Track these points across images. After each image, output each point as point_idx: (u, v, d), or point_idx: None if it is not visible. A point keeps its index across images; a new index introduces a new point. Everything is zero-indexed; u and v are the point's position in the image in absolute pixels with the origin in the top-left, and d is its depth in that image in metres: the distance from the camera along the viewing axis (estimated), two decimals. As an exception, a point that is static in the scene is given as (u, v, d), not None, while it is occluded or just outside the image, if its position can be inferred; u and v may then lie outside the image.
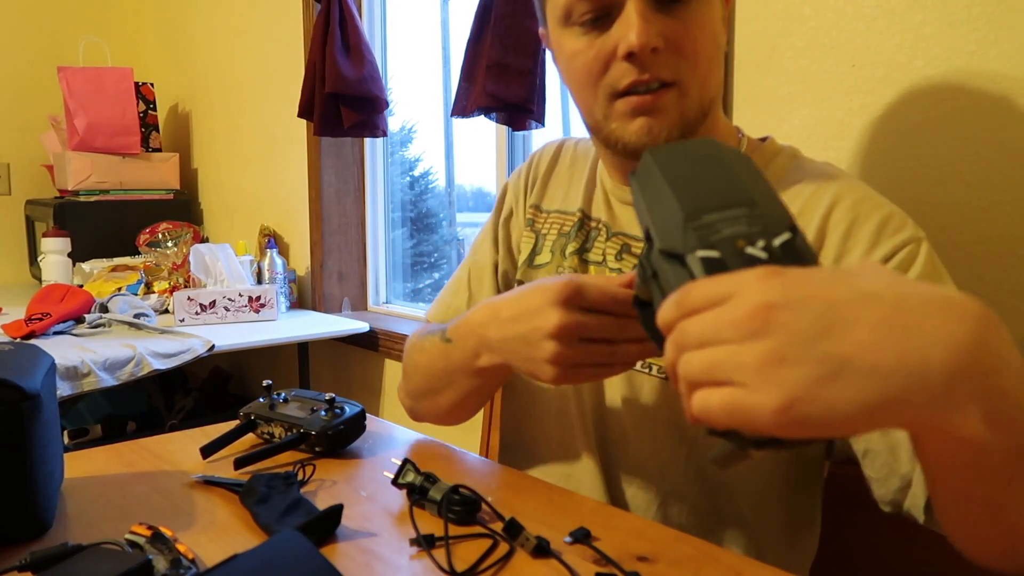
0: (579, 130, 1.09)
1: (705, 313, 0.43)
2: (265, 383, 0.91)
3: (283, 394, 0.91)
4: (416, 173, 2.41)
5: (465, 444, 0.98)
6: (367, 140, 2.30)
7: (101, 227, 2.58)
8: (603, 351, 0.68)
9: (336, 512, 0.66)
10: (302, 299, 2.39)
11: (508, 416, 0.97)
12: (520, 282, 0.94)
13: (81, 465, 0.81)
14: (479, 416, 1.14)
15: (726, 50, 0.79)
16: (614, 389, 0.84)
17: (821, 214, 0.75)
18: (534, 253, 0.93)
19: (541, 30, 0.84)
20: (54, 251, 2.40)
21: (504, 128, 1.84)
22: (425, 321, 1.01)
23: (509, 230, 0.99)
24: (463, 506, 0.67)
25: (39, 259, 2.47)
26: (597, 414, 0.85)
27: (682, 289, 0.45)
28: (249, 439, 0.89)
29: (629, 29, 0.71)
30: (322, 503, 0.71)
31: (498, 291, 0.98)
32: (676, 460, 0.81)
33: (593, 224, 0.89)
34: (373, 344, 2.10)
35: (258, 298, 2.09)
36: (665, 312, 0.46)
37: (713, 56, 0.75)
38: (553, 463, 0.89)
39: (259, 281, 2.25)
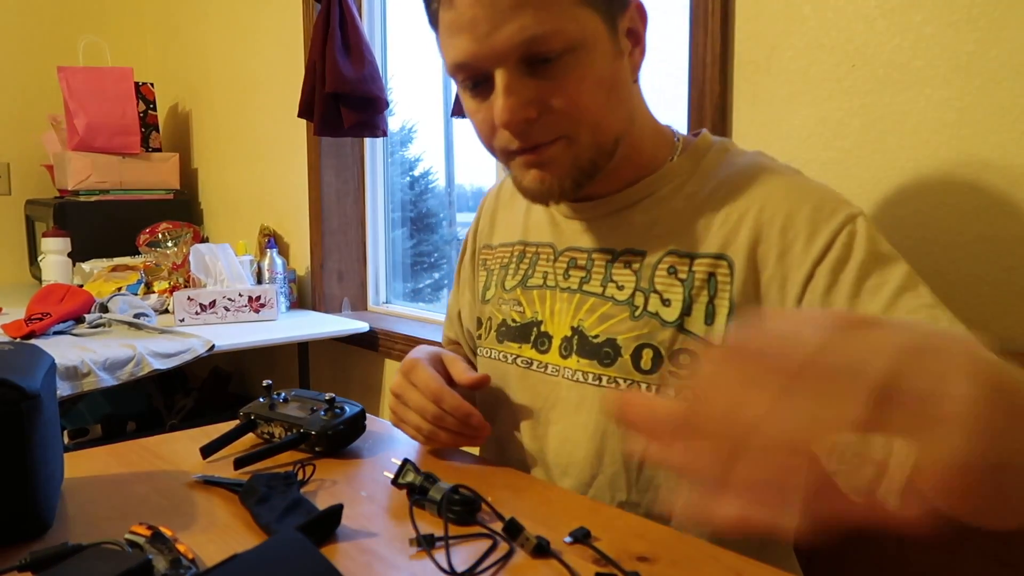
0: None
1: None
2: (265, 383, 0.91)
3: (283, 394, 0.91)
4: (416, 173, 2.41)
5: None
6: (367, 140, 2.30)
7: (101, 227, 2.58)
8: (414, 419, 0.83)
9: (336, 512, 0.66)
10: (302, 299, 2.39)
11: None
12: (478, 318, 0.98)
13: (81, 465, 0.81)
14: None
15: (631, 82, 0.78)
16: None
17: (754, 213, 0.76)
18: (484, 288, 0.97)
19: None
20: (54, 251, 2.40)
21: (504, 128, 1.84)
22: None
23: (470, 271, 1.04)
24: (463, 506, 0.67)
25: (39, 259, 2.47)
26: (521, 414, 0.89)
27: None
28: (249, 439, 0.89)
29: (496, 104, 0.72)
30: (322, 503, 0.71)
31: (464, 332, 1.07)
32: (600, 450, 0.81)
33: (533, 250, 0.91)
34: (373, 344, 2.10)
35: (258, 298, 2.09)
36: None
37: (603, 101, 0.74)
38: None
39: (259, 281, 2.25)
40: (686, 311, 0.76)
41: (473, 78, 0.74)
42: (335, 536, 0.66)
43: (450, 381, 0.85)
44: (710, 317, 0.75)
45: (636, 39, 0.77)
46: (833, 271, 0.70)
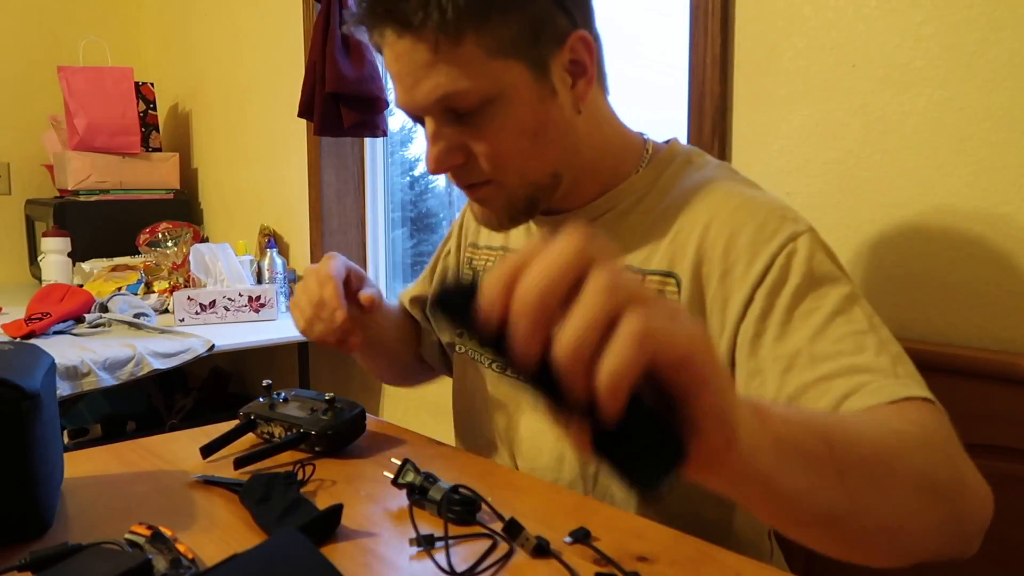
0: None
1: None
2: (265, 383, 0.91)
3: (283, 394, 0.91)
4: (416, 173, 2.41)
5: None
6: (367, 140, 2.30)
7: (101, 227, 2.58)
8: (302, 301, 0.88)
9: (336, 512, 0.66)
10: (302, 299, 2.39)
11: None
12: None
13: (81, 465, 0.81)
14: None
15: (575, 119, 0.78)
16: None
17: (700, 231, 0.75)
18: None
19: None
20: (54, 251, 2.39)
21: (504, 128, 1.84)
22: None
23: (459, 251, 1.04)
24: (463, 506, 0.67)
25: (39, 259, 2.46)
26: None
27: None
28: (249, 439, 0.89)
29: (426, 151, 0.77)
30: (322, 503, 0.71)
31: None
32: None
33: None
34: (373, 344, 2.10)
35: (258, 298, 2.09)
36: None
37: (526, 147, 0.75)
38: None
39: (259, 281, 2.25)
40: None
41: (413, 118, 0.79)
42: (335, 536, 0.66)
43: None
44: None
45: (581, 70, 0.76)
46: (769, 296, 0.70)
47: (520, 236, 0.91)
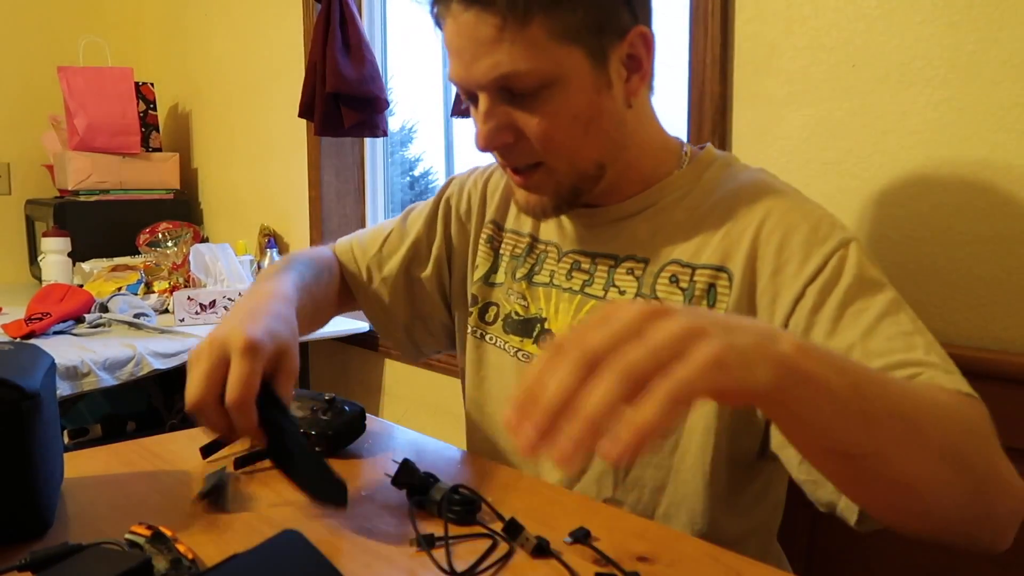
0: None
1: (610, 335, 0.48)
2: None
3: (283, 394, 0.91)
4: (416, 173, 2.41)
5: (464, 443, 0.98)
6: (367, 140, 2.30)
7: (101, 227, 2.58)
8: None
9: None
10: (302, 299, 2.39)
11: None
12: (475, 296, 0.97)
13: (81, 465, 0.81)
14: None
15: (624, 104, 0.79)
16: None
17: (753, 229, 0.77)
18: (491, 271, 0.97)
19: None
20: (54, 251, 2.39)
21: (504, 128, 1.84)
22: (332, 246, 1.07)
23: (449, 220, 1.01)
24: (463, 506, 0.67)
25: (39, 259, 2.46)
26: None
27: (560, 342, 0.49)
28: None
29: (477, 129, 0.77)
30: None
31: (404, 268, 1.01)
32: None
33: (542, 247, 0.92)
34: (373, 344, 2.10)
35: (258, 298, 2.08)
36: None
37: (579, 134, 0.77)
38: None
39: (259, 281, 2.25)
40: None
41: (466, 97, 0.79)
42: (335, 536, 0.66)
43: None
44: None
45: (637, 65, 0.78)
46: (821, 292, 0.72)
47: (551, 228, 0.92)
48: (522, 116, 0.76)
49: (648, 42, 0.78)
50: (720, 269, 0.77)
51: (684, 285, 0.79)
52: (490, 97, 0.75)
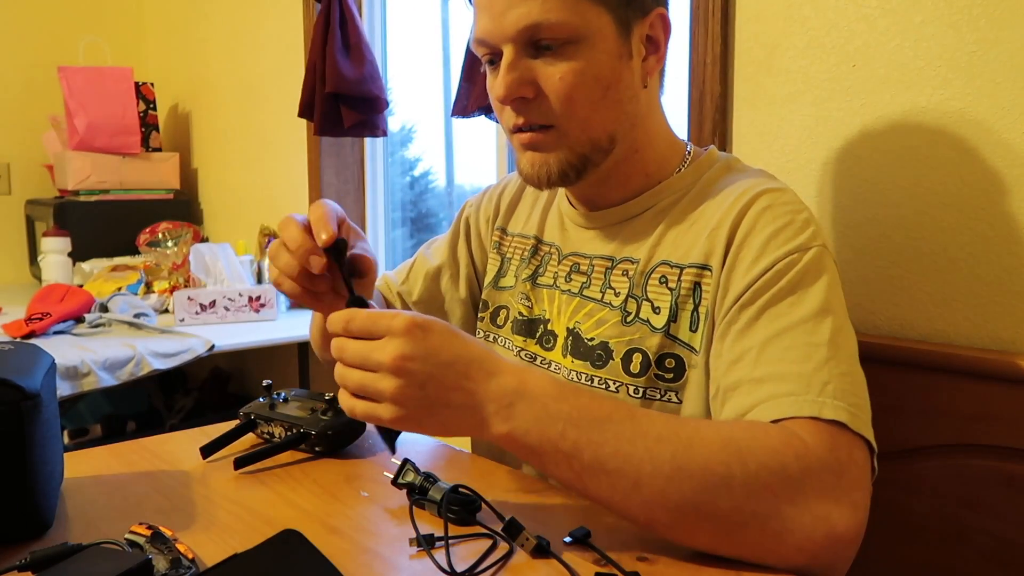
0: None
1: (361, 343, 0.63)
2: (265, 383, 0.91)
3: (283, 394, 0.92)
4: (416, 173, 2.41)
5: (464, 444, 0.98)
6: (367, 140, 2.30)
7: (101, 227, 2.58)
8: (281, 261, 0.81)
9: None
10: (302, 299, 2.39)
11: None
12: (485, 301, 0.99)
13: (81, 465, 0.81)
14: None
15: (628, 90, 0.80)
16: None
17: (730, 227, 0.76)
18: (499, 275, 0.98)
19: None
20: (54, 251, 2.39)
21: (504, 128, 1.84)
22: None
23: (470, 239, 1.05)
24: (463, 506, 0.67)
25: (39, 259, 2.46)
26: None
27: (349, 313, 0.64)
28: (249, 439, 0.89)
29: (498, 79, 0.77)
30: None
31: (428, 294, 1.06)
32: None
33: (546, 249, 0.94)
34: (373, 344, 2.09)
35: (258, 298, 2.09)
36: (333, 323, 0.65)
37: (596, 97, 0.78)
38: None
39: (259, 281, 2.25)
40: (672, 318, 0.78)
41: (489, 55, 0.80)
42: (335, 536, 0.66)
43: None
44: (694, 324, 0.77)
45: (655, 47, 0.81)
46: (756, 292, 0.72)
47: (554, 230, 0.93)
48: (545, 71, 0.76)
49: (667, 25, 0.80)
50: (704, 267, 0.78)
51: (672, 285, 0.79)
52: (516, 49, 0.76)
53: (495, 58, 0.79)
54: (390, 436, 0.71)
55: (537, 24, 0.74)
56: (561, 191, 0.95)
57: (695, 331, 0.77)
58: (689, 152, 0.87)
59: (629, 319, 0.81)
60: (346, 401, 0.64)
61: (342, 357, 0.64)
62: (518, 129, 0.80)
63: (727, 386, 0.71)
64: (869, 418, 0.67)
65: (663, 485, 0.60)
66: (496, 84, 0.77)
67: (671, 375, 0.78)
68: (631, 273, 0.83)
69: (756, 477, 0.60)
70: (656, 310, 0.79)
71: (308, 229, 0.75)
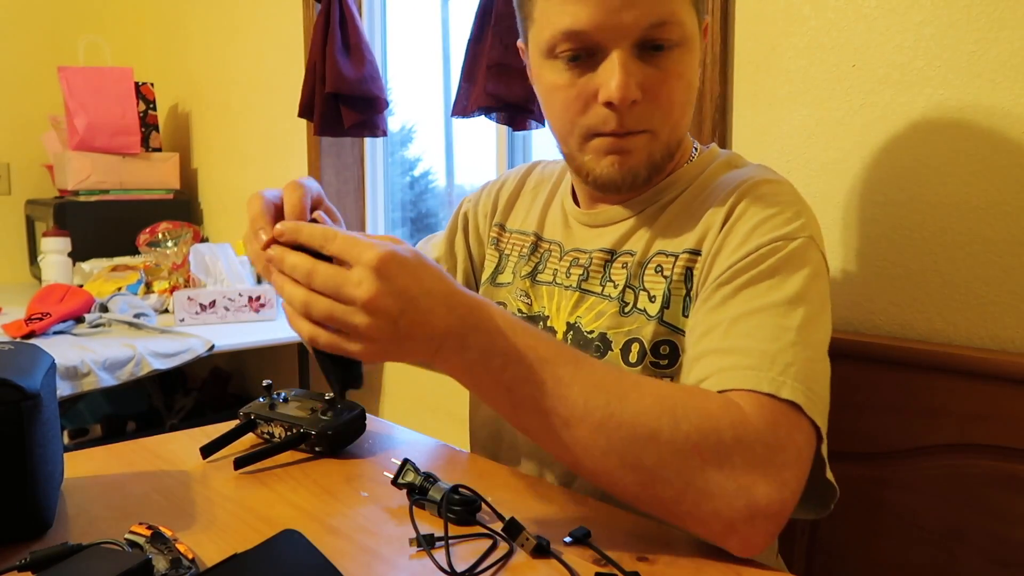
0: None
1: (335, 271, 0.60)
2: (265, 383, 0.91)
3: (283, 394, 0.92)
4: (416, 173, 2.41)
5: (464, 444, 0.98)
6: (367, 140, 2.30)
7: (101, 227, 2.58)
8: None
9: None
10: (302, 299, 2.39)
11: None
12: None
13: (81, 465, 0.81)
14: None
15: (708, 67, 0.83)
16: None
17: (723, 214, 0.77)
18: (497, 271, 0.98)
19: (520, 43, 0.85)
20: (54, 251, 2.39)
21: (504, 128, 1.84)
22: None
23: (468, 235, 1.03)
24: (463, 506, 0.67)
25: (39, 259, 2.46)
26: None
27: (323, 231, 0.61)
28: (249, 439, 0.89)
29: (612, 79, 0.73)
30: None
31: None
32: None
33: (546, 246, 0.93)
34: (373, 344, 2.09)
35: (258, 298, 2.09)
36: (302, 235, 0.62)
37: (687, 102, 0.79)
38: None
39: (259, 281, 2.25)
40: (666, 304, 0.79)
41: (579, 49, 0.75)
42: (335, 536, 0.66)
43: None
44: (687, 310, 0.78)
45: (702, 51, 0.83)
46: (735, 273, 0.72)
47: (557, 228, 0.93)
48: (652, 74, 0.75)
49: (707, 34, 0.83)
50: (695, 252, 0.78)
51: (667, 273, 0.80)
52: (630, 50, 0.73)
53: (582, 54, 0.75)
54: (346, 378, 0.66)
55: (660, 22, 0.72)
56: (563, 190, 0.94)
57: (687, 316, 0.78)
58: (696, 149, 0.88)
59: (627, 309, 0.82)
60: (306, 328, 0.61)
61: (310, 282, 0.60)
62: (612, 133, 0.77)
63: (694, 356, 0.71)
64: (825, 408, 0.68)
65: (591, 431, 0.62)
66: (612, 85, 0.73)
67: (666, 361, 0.79)
68: (629, 264, 0.83)
69: (686, 437, 0.61)
70: (652, 299, 0.80)
71: (277, 209, 0.71)
